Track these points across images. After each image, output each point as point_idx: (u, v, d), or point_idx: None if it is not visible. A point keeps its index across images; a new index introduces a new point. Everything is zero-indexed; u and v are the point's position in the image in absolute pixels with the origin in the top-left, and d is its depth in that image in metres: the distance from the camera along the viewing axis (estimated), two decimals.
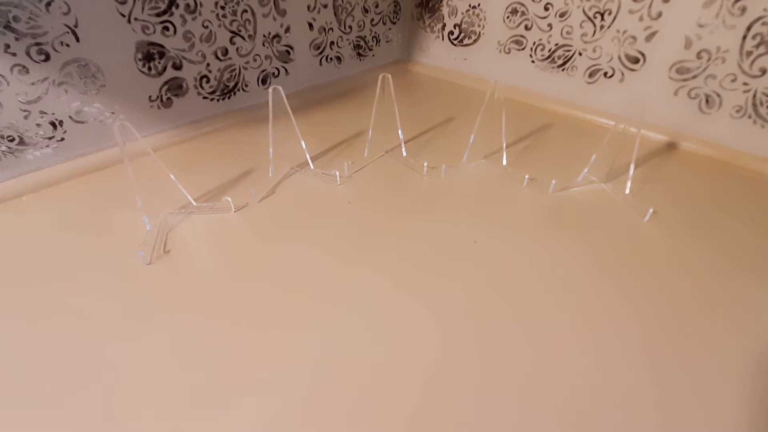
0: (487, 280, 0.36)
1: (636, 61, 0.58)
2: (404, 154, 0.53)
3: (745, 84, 0.51)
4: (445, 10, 0.76)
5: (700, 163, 0.54)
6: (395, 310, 0.33)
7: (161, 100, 0.53)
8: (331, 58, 0.71)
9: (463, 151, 0.51)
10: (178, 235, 0.40)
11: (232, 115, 0.60)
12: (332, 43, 0.70)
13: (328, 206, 0.45)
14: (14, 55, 0.41)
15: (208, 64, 0.55)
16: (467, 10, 0.73)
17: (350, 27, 0.72)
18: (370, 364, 0.29)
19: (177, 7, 0.50)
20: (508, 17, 0.68)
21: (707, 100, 0.55)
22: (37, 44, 0.42)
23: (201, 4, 0.52)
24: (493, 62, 0.73)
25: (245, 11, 0.56)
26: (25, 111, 0.43)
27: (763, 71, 0.50)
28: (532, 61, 0.69)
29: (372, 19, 0.75)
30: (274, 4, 0.59)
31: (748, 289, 0.36)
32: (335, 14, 0.68)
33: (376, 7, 0.74)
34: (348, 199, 0.46)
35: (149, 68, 0.50)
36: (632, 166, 0.46)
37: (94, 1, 0.44)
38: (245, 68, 0.60)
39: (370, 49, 0.78)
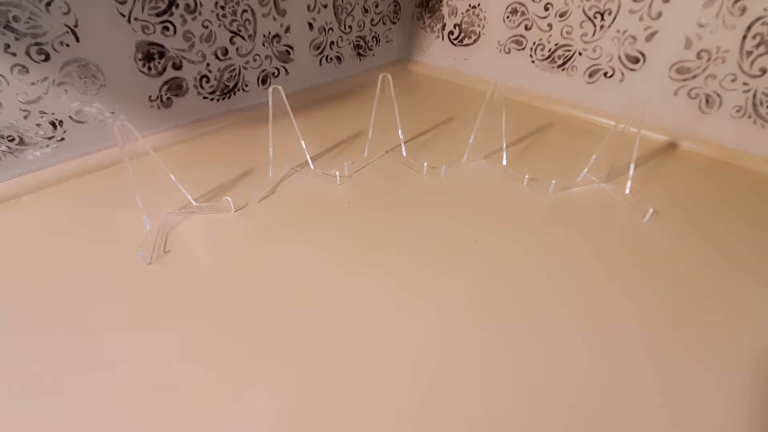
0: (486, 280, 0.36)
1: (636, 61, 0.58)
2: (404, 154, 0.53)
3: (745, 84, 0.51)
4: (445, 10, 0.76)
5: (700, 163, 0.54)
6: (395, 310, 0.33)
7: (161, 100, 0.53)
8: (331, 58, 0.71)
9: (463, 151, 0.51)
10: (178, 235, 0.40)
11: (232, 115, 0.60)
12: (332, 43, 0.70)
13: (328, 206, 0.45)
14: (14, 55, 0.41)
15: (208, 64, 0.55)
16: (467, 10, 0.73)
17: (350, 27, 0.72)
18: (369, 362, 0.29)
19: (177, 7, 0.50)
20: (508, 17, 0.68)
21: (707, 100, 0.55)
22: (37, 44, 0.42)
23: (201, 4, 0.52)
24: (493, 62, 0.73)
25: (245, 11, 0.56)
26: (25, 111, 0.43)
27: (763, 71, 0.50)
28: (532, 61, 0.69)
29: (372, 19, 0.75)
30: (274, 4, 0.59)
31: (748, 289, 0.36)
32: (335, 14, 0.68)
33: (376, 7, 0.74)
34: (348, 199, 0.46)
35: (149, 68, 0.50)
36: (632, 166, 0.46)
37: (94, 1, 0.44)
38: (245, 68, 0.60)
39: (370, 49, 0.78)
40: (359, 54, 0.76)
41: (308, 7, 0.63)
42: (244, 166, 0.51)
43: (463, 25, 0.74)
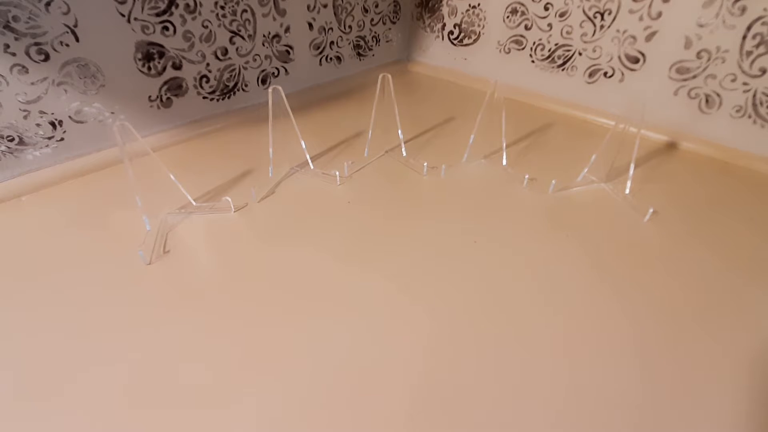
0: (487, 279, 0.36)
1: (636, 61, 0.58)
2: (404, 154, 0.53)
3: (745, 84, 0.51)
4: (445, 10, 0.76)
5: (700, 163, 0.54)
6: (395, 309, 0.33)
7: (161, 100, 0.53)
8: (331, 58, 0.71)
9: (463, 151, 0.51)
10: (178, 235, 0.40)
11: (232, 115, 0.60)
12: (332, 43, 0.70)
13: (328, 206, 0.45)
14: (14, 54, 0.41)
15: (207, 64, 0.55)
16: (467, 10, 0.73)
17: (350, 27, 0.72)
18: (368, 362, 0.29)
19: (177, 6, 0.50)
20: (508, 17, 0.68)
21: (707, 100, 0.55)
22: (36, 44, 0.42)
23: (201, 4, 0.51)
24: (493, 62, 0.73)
25: (245, 11, 0.56)
26: (24, 111, 0.43)
27: (763, 71, 0.50)
28: (532, 61, 0.69)
29: (372, 19, 0.75)
30: (274, 4, 0.59)
31: (748, 289, 0.36)
32: (335, 14, 0.68)
33: (376, 7, 0.74)
34: (348, 199, 0.46)
35: (149, 68, 0.50)
36: (632, 166, 0.46)
37: (94, 1, 0.44)
38: (245, 68, 0.60)
39: (370, 49, 0.78)
40: (359, 54, 0.76)
41: (308, 7, 0.63)
42: (244, 166, 0.51)
43: (463, 25, 0.74)
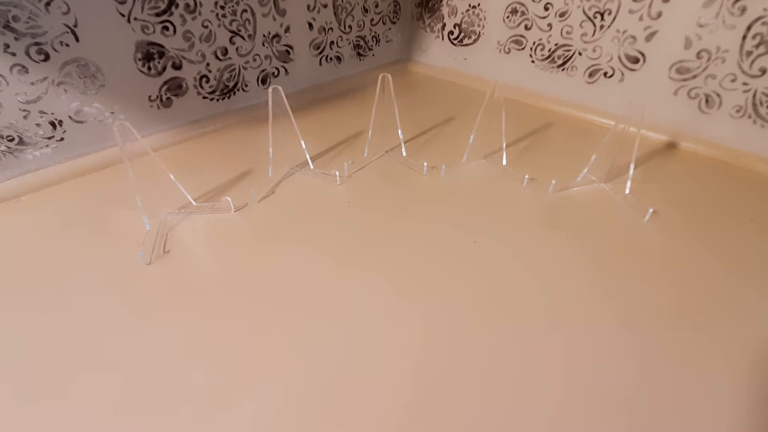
0: (486, 279, 0.36)
1: (636, 61, 0.58)
2: (404, 154, 0.53)
3: (745, 84, 0.51)
4: (444, 10, 0.76)
5: (700, 163, 0.54)
6: (395, 310, 0.33)
7: (161, 100, 0.53)
8: (330, 58, 0.71)
9: (463, 151, 0.51)
10: (178, 235, 0.40)
11: (232, 115, 0.60)
12: (332, 42, 0.70)
13: (328, 206, 0.45)
14: (14, 54, 0.41)
15: (207, 64, 0.55)
16: (467, 10, 0.73)
17: (350, 27, 0.72)
18: (367, 364, 0.29)
19: (177, 6, 0.50)
20: (507, 17, 0.68)
21: (707, 100, 0.55)
22: (36, 44, 0.42)
23: (201, 4, 0.51)
24: (493, 62, 0.73)
25: (245, 11, 0.56)
26: (24, 111, 0.43)
27: (763, 71, 0.50)
28: (532, 61, 0.69)
29: (372, 19, 0.75)
30: (274, 4, 0.59)
31: (747, 290, 0.36)
32: (335, 14, 0.68)
33: (376, 7, 0.74)
34: (348, 199, 0.46)
35: (149, 68, 0.50)
36: (632, 166, 0.46)
37: (94, 1, 0.44)
38: (245, 68, 0.60)
39: (370, 49, 0.78)
40: (359, 54, 0.76)
41: (308, 7, 0.63)
42: (244, 166, 0.51)
43: (463, 25, 0.74)
